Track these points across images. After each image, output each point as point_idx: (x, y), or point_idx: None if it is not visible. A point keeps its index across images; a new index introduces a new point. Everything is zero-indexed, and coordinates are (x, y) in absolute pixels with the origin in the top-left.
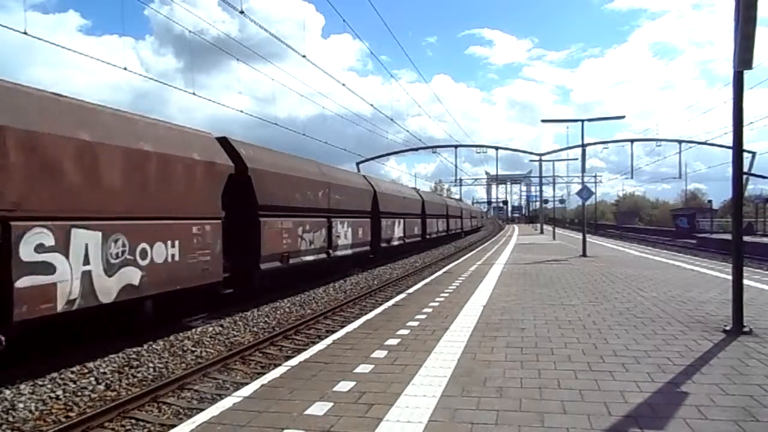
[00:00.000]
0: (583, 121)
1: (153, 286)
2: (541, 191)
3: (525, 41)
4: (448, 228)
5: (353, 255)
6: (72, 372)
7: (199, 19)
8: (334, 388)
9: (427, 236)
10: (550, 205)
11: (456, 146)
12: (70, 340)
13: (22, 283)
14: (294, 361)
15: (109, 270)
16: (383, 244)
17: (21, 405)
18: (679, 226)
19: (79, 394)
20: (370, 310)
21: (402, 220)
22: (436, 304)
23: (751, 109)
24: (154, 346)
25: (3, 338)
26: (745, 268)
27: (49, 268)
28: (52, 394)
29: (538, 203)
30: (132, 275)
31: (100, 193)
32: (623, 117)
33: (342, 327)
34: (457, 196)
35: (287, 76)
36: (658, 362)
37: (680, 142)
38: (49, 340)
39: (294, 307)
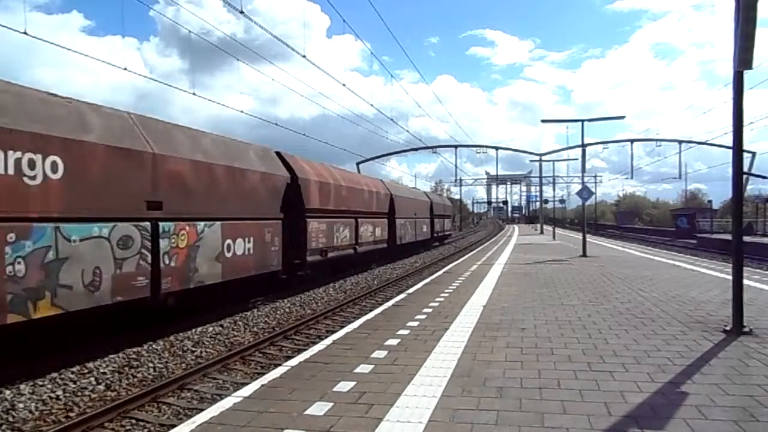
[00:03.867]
0: (583, 121)
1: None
2: (541, 191)
3: (527, 42)
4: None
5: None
6: (72, 372)
7: (203, 21)
8: (334, 388)
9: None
10: (550, 205)
11: (456, 146)
12: (72, 339)
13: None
14: (294, 361)
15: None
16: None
17: (21, 405)
18: (679, 226)
19: (79, 394)
20: (370, 310)
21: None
22: (436, 304)
23: (751, 109)
24: (154, 346)
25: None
26: (745, 268)
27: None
28: (52, 394)
29: (538, 203)
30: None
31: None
32: (623, 117)
33: (342, 327)
34: (457, 196)
35: (290, 77)
36: (658, 362)
37: (680, 142)
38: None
39: (294, 307)
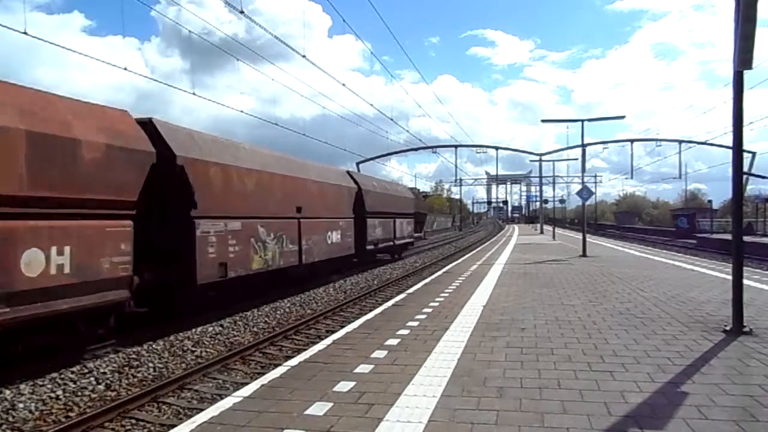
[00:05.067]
0: (583, 121)
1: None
2: (541, 191)
3: (527, 42)
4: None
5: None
6: (72, 372)
7: (204, 21)
8: (334, 388)
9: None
10: (550, 205)
11: (456, 146)
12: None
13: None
14: (294, 361)
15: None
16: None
17: (21, 405)
18: (679, 226)
19: (79, 394)
20: (370, 310)
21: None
22: (436, 304)
23: (751, 109)
24: (154, 346)
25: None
26: (745, 268)
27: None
28: (52, 394)
29: (538, 203)
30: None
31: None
32: (623, 117)
33: (342, 327)
34: (457, 196)
35: (291, 77)
36: (658, 362)
37: (680, 142)
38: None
39: (294, 307)
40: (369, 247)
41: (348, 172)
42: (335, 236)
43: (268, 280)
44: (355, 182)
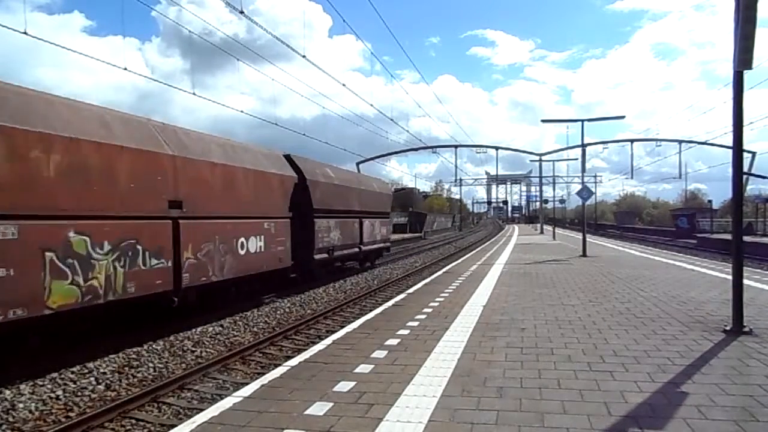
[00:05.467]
0: (583, 121)
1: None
2: (541, 191)
3: (527, 42)
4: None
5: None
6: (72, 372)
7: (205, 22)
8: (334, 388)
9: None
10: (550, 205)
11: (456, 146)
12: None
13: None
14: (294, 361)
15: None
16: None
17: (21, 405)
18: (679, 226)
19: (79, 394)
20: (370, 310)
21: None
22: (436, 304)
23: (751, 109)
24: (154, 346)
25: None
26: (745, 268)
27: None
28: (52, 394)
29: (538, 203)
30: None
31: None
32: (623, 117)
33: (342, 327)
34: (457, 196)
35: (291, 77)
36: (658, 362)
37: (680, 142)
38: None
39: (294, 307)
40: (319, 257)
41: (287, 157)
42: (255, 244)
43: (97, 318)
44: (297, 170)
